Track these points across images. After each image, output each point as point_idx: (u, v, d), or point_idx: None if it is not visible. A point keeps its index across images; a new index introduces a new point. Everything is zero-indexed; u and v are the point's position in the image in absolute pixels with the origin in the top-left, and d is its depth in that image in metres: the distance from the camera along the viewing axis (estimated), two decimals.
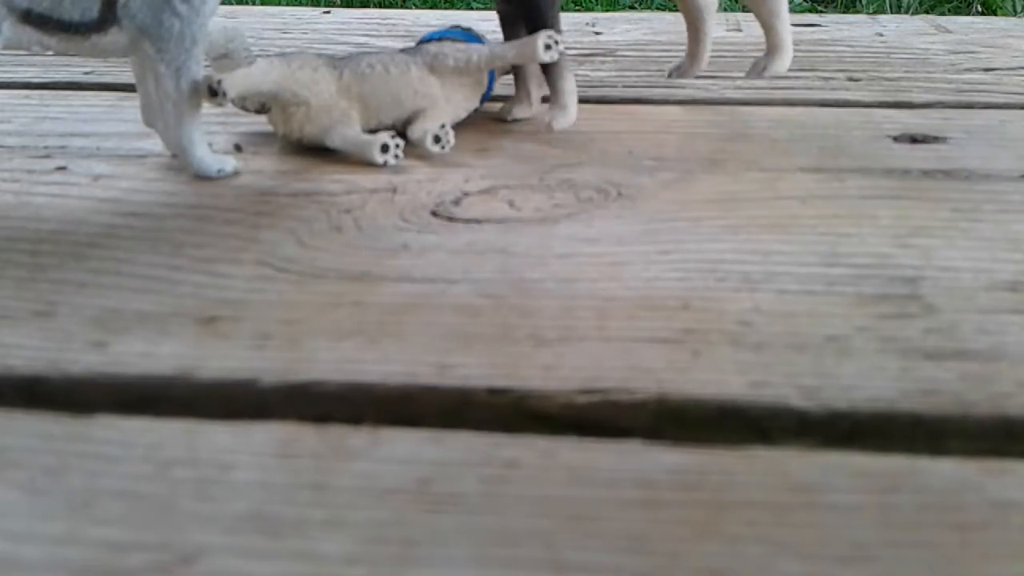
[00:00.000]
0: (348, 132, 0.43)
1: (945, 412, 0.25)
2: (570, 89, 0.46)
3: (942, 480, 0.23)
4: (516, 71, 0.49)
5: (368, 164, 0.42)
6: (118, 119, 0.49)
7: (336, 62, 0.44)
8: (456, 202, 0.38)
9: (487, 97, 0.48)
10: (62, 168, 0.42)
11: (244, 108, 0.45)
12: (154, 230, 0.36)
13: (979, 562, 0.21)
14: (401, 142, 0.42)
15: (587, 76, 0.57)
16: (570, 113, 0.46)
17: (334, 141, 0.43)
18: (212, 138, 0.45)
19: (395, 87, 0.44)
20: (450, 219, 0.37)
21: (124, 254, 0.34)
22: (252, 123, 0.47)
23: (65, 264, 0.33)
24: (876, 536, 0.21)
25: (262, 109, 0.45)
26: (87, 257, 0.34)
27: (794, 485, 0.23)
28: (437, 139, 0.43)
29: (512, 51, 0.44)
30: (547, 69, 0.46)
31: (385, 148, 0.42)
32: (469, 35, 0.48)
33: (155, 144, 0.44)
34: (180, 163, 0.42)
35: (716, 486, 0.23)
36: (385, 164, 0.42)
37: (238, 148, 0.45)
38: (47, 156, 0.44)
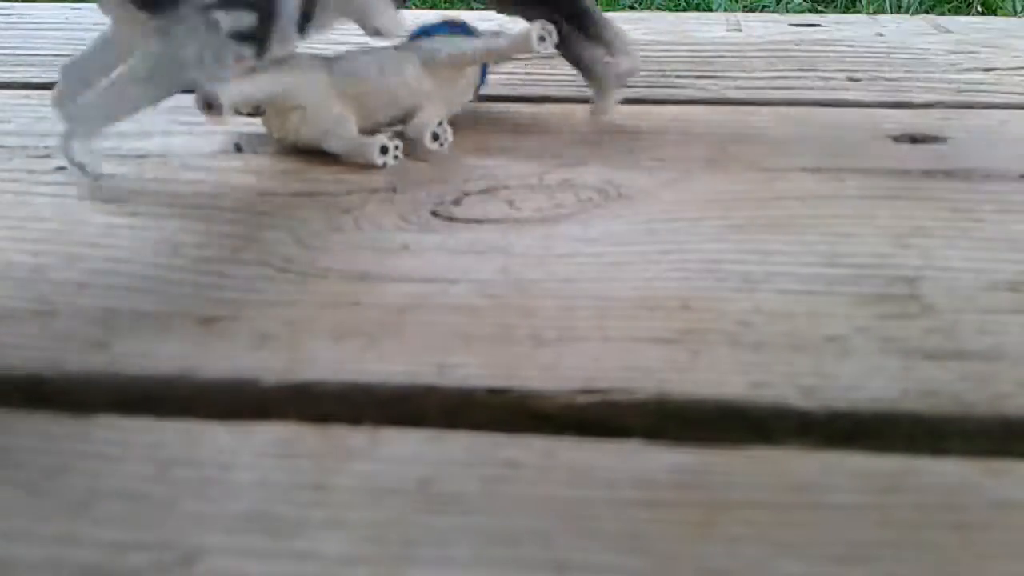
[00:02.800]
0: (345, 135, 0.43)
1: (945, 412, 0.25)
2: (620, 30, 0.45)
3: (942, 480, 0.23)
4: (579, 66, 0.47)
5: (367, 164, 0.42)
6: None
7: (328, 63, 0.44)
8: (456, 202, 0.38)
9: (483, 84, 0.48)
10: (62, 168, 0.42)
11: (237, 112, 0.45)
12: (154, 230, 0.36)
13: (979, 562, 0.21)
14: (400, 143, 0.42)
15: None
16: (634, 55, 0.45)
17: (331, 145, 0.43)
18: (212, 138, 0.45)
19: (390, 86, 0.44)
20: (450, 219, 0.37)
21: (124, 254, 0.34)
22: (252, 123, 0.47)
23: (65, 264, 0.33)
24: (876, 536, 0.21)
25: (256, 112, 0.45)
26: (87, 257, 0.34)
27: (794, 485, 0.23)
28: (436, 136, 0.43)
29: (506, 43, 0.44)
30: (589, 30, 0.45)
31: (384, 150, 0.42)
32: (461, 28, 0.48)
33: (155, 144, 0.44)
34: (179, 163, 0.42)
35: (716, 486, 0.23)
36: (384, 165, 0.42)
37: (238, 148, 0.45)
38: (47, 156, 0.44)
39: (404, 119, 0.44)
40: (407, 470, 0.23)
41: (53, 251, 0.34)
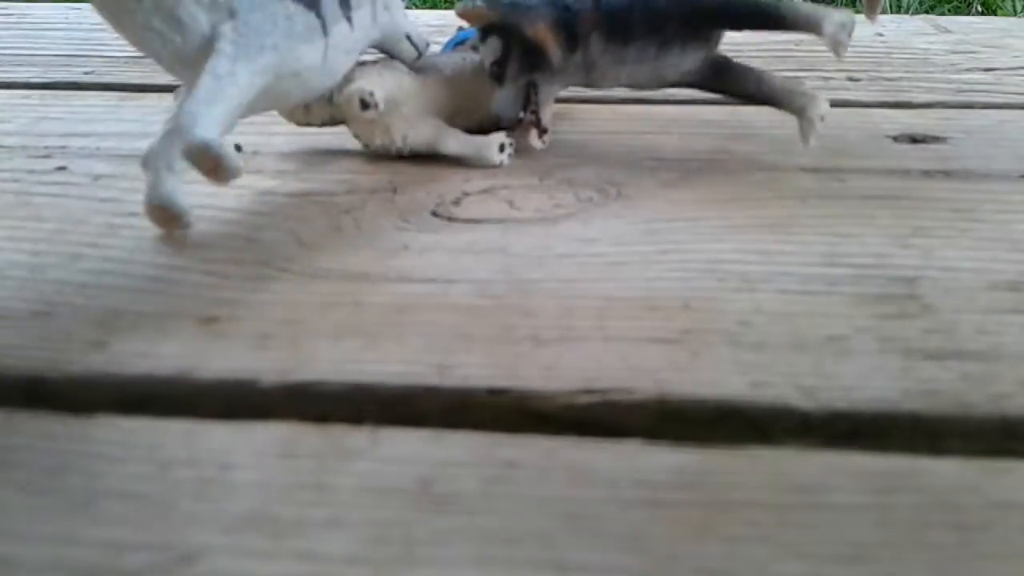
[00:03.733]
0: (460, 135, 0.42)
1: (945, 412, 0.25)
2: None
3: (942, 480, 0.23)
4: (773, 103, 0.42)
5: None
6: (118, 119, 0.49)
7: (414, 67, 0.43)
8: (456, 202, 0.38)
9: None
10: (62, 168, 0.42)
11: (308, 123, 0.43)
12: (154, 230, 0.36)
13: (979, 562, 0.21)
14: (513, 140, 0.42)
15: None
16: (836, 17, 0.38)
17: (447, 146, 0.42)
18: None
19: (475, 89, 0.43)
20: (450, 219, 0.37)
21: (124, 254, 0.34)
22: (251, 123, 0.47)
23: (65, 264, 0.33)
24: (876, 536, 0.21)
25: (332, 122, 0.43)
26: (87, 257, 0.34)
27: (794, 485, 0.23)
28: (502, 148, 0.42)
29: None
30: (785, 21, 0.39)
31: (502, 147, 0.42)
32: None
33: None
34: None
35: (716, 486, 0.23)
36: (500, 164, 0.42)
37: (238, 148, 0.45)
38: (47, 156, 0.44)
39: (483, 123, 0.43)
40: (407, 470, 0.23)
41: (53, 251, 0.34)
